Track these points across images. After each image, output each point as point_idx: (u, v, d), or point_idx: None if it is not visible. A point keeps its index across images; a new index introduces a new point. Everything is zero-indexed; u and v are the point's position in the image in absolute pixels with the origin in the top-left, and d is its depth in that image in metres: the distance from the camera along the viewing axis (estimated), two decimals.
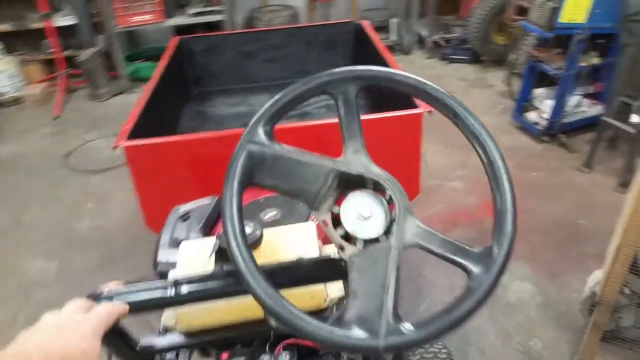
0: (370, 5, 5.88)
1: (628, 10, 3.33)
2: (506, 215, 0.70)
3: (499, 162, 0.72)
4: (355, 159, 0.76)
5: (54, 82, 5.12)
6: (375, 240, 0.75)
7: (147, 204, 1.99)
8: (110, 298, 0.89)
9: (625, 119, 3.13)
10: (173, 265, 1.57)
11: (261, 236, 1.13)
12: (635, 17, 3.40)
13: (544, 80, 3.77)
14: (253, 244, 1.09)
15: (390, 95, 2.71)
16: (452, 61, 5.44)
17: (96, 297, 0.85)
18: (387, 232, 0.74)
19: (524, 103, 3.89)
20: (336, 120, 0.80)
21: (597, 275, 2.12)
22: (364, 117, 2.03)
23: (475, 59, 5.32)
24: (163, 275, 1.58)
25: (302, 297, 1.16)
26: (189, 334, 1.16)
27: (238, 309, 1.14)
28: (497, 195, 0.71)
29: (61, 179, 3.76)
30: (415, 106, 1.98)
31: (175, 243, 1.62)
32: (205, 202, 1.83)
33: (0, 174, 3.90)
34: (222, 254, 0.98)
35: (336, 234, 0.75)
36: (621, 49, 3.43)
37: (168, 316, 1.16)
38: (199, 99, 3.22)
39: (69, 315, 0.72)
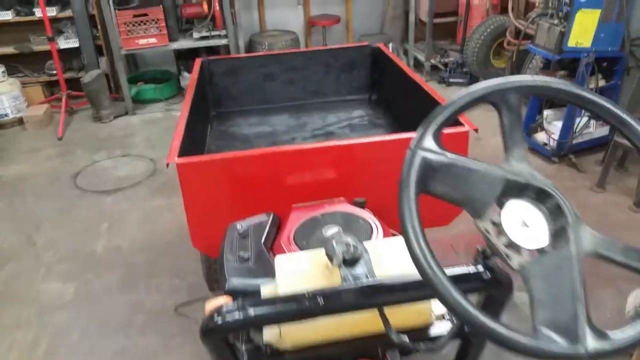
0: (365, 30, 6.00)
1: (632, 34, 3.48)
2: None
3: None
4: (521, 167, 0.78)
5: (56, 103, 5.06)
6: (542, 250, 0.77)
7: (195, 222, 1.98)
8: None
9: None
10: (249, 283, 1.56)
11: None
12: (638, 41, 3.55)
13: (550, 101, 3.88)
14: (357, 258, 1.08)
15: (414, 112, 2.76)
16: (450, 84, 5.56)
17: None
18: (559, 240, 0.76)
19: (531, 125, 3.99)
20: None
21: (638, 294, 2.18)
22: (408, 134, 2.09)
23: (473, 82, 5.42)
24: (235, 293, 1.57)
25: (408, 314, 1.17)
26: (292, 352, 1.15)
27: (345, 325, 1.14)
28: None
29: (72, 200, 3.71)
30: (460, 123, 2.02)
31: (242, 260, 1.61)
32: (261, 219, 1.83)
33: (8, 194, 3.83)
34: (347, 263, 0.98)
35: (500, 242, 0.77)
36: (626, 72, 3.57)
37: (271, 333, 1.15)
38: (219, 120, 3.23)
39: None
